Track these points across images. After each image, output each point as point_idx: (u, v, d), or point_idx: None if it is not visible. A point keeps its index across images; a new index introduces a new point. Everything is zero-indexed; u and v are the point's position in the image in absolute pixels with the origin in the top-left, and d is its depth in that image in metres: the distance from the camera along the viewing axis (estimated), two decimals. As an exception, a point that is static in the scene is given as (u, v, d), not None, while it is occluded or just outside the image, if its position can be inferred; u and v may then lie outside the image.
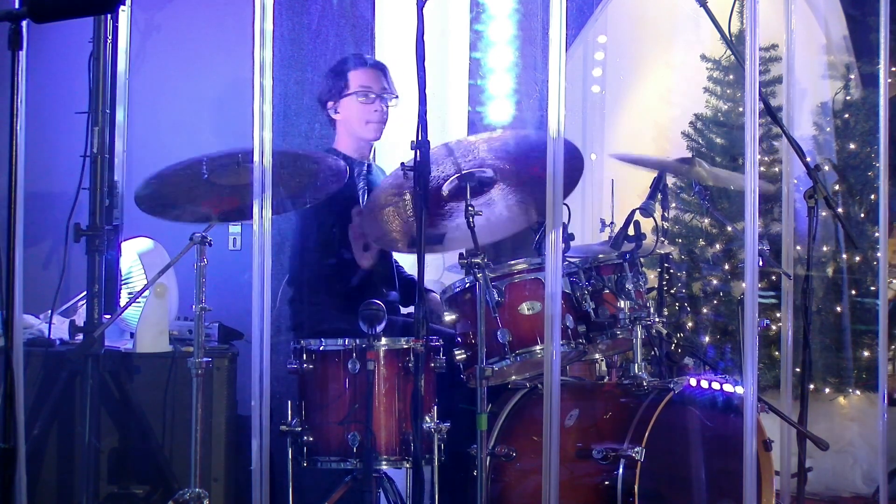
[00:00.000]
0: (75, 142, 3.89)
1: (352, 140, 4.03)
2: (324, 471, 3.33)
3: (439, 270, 4.51)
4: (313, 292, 3.88)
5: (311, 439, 3.29)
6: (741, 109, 5.13)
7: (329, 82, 4.02)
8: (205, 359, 3.23)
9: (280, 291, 4.00)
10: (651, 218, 3.60)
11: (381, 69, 4.03)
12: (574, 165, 3.35)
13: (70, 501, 3.66)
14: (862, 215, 5.11)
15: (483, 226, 3.42)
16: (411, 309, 4.09)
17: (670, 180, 4.47)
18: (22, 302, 2.35)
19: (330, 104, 4.02)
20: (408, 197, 3.37)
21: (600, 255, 3.56)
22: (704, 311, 5.06)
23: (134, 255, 4.01)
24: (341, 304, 3.83)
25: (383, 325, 3.23)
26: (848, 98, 5.30)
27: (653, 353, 3.79)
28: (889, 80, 3.91)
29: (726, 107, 5.35)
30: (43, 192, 4.38)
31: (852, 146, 5.21)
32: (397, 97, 4.03)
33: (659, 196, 3.65)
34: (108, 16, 3.87)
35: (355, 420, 3.24)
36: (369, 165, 4.09)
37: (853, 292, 5.05)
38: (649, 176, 3.70)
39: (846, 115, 5.26)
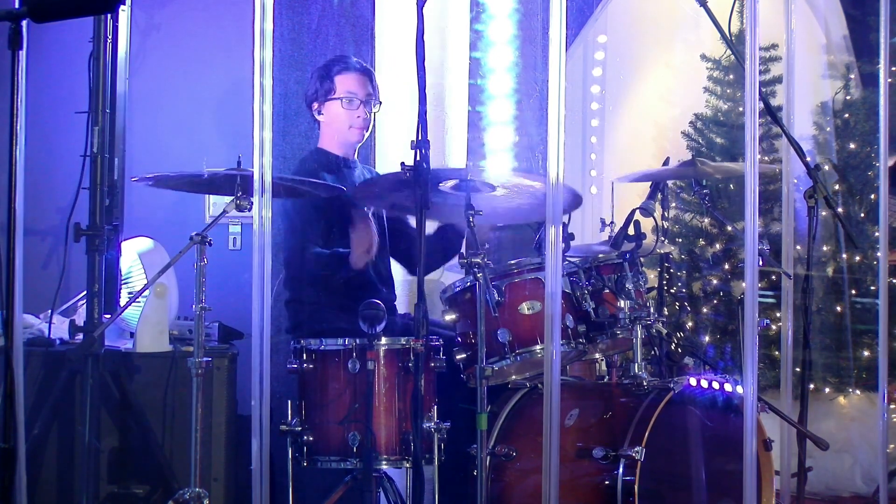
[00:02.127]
0: (75, 142, 3.89)
1: (336, 141, 4.06)
2: (324, 471, 3.33)
3: (439, 270, 4.52)
4: (311, 291, 3.89)
5: (311, 439, 3.29)
6: (741, 109, 5.13)
7: (315, 84, 4.05)
8: (205, 359, 3.23)
9: (275, 292, 4.00)
10: (651, 218, 3.60)
11: (367, 74, 4.06)
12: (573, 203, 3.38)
13: (70, 501, 3.66)
14: (862, 215, 5.11)
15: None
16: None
17: (670, 180, 4.46)
18: (22, 302, 2.35)
19: (315, 105, 4.05)
20: None
21: (600, 255, 3.56)
22: (704, 311, 5.06)
23: (134, 255, 4.01)
24: (339, 303, 3.83)
25: (383, 324, 3.23)
26: (848, 98, 5.30)
27: (653, 353, 3.79)
28: (889, 80, 3.90)
29: (726, 107, 5.35)
30: (43, 192, 4.38)
31: (852, 146, 5.21)
32: (381, 103, 4.08)
33: (659, 196, 3.66)
34: (108, 16, 3.86)
35: (355, 420, 3.24)
36: (353, 163, 4.11)
37: (853, 292, 5.05)
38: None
39: (846, 115, 5.25)
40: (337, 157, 4.05)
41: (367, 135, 4.10)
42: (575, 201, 3.39)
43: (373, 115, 4.07)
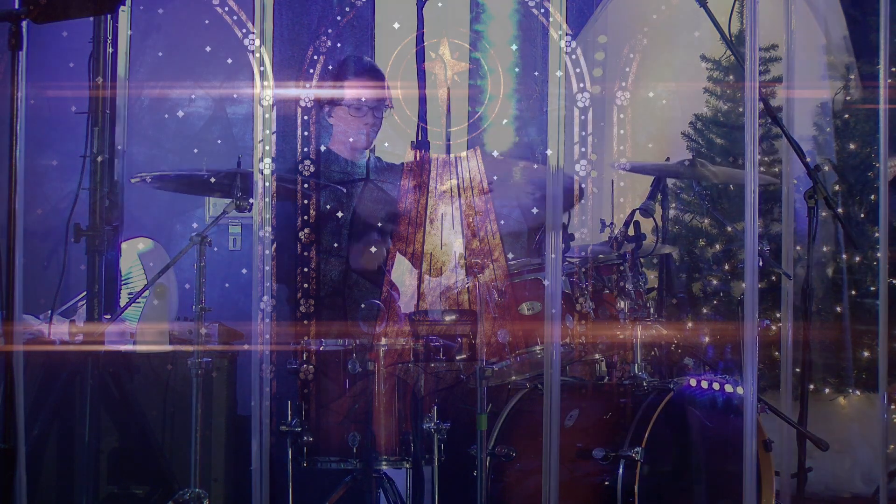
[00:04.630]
0: (75, 142, 3.89)
1: (344, 144, 4.05)
2: (324, 471, 3.33)
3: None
4: (310, 291, 3.89)
5: (311, 439, 3.29)
6: (741, 109, 5.13)
7: (325, 87, 4.02)
8: (205, 359, 3.23)
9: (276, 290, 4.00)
10: (651, 218, 3.60)
11: (378, 76, 4.02)
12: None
13: (70, 501, 3.66)
14: (862, 215, 5.11)
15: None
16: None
17: (670, 180, 4.46)
18: (22, 302, 2.35)
19: (326, 108, 4.04)
20: None
21: (600, 256, 3.56)
22: (704, 311, 5.06)
23: (134, 255, 4.02)
24: (339, 303, 3.83)
25: (384, 325, 3.23)
26: (848, 98, 5.30)
27: (653, 353, 3.79)
28: (889, 80, 3.90)
29: (726, 107, 5.35)
30: (43, 193, 4.38)
31: (852, 146, 5.21)
32: (391, 107, 4.04)
33: (659, 196, 3.66)
34: (108, 16, 3.86)
35: (355, 420, 3.24)
36: (360, 166, 4.10)
37: (853, 292, 5.05)
38: (649, 176, 3.70)
39: (846, 115, 5.25)
40: (344, 160, 4.04)
41: (375, 137, 4.08)
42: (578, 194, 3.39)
43: (383, 117, 4.04)
